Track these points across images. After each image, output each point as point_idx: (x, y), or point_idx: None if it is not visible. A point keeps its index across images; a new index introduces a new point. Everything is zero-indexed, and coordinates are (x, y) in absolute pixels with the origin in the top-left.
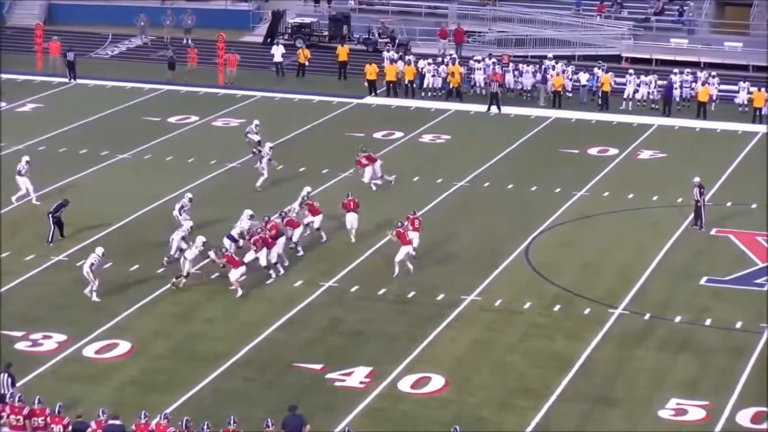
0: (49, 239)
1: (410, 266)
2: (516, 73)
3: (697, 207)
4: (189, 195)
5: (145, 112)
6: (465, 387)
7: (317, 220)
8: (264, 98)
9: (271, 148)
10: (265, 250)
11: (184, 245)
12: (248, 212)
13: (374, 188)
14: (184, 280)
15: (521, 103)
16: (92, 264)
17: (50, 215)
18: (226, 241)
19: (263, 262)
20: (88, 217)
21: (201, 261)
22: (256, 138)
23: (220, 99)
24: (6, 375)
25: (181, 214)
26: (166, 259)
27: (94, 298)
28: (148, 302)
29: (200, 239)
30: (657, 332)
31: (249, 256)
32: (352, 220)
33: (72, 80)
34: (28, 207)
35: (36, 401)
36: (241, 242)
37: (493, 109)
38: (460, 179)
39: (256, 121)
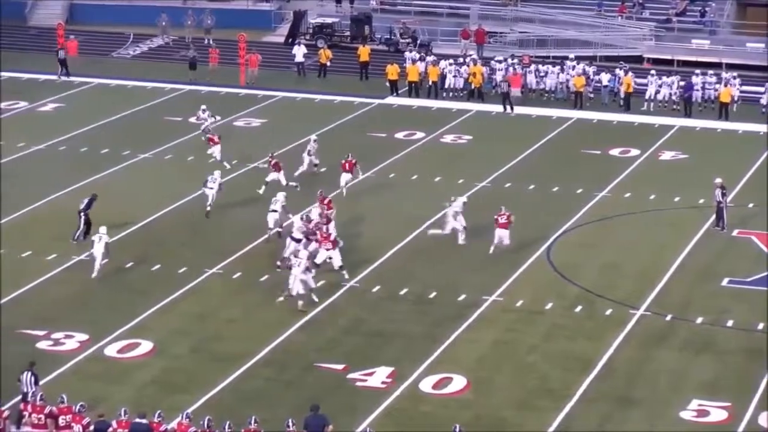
0: (77, 236)
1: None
2: (537, 73)
3: (719, 208)
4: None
5: (166, 112)
6: (486, 388)
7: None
8: (285, 98)
9: (315, 140)
10: (337, 249)
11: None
12: (282, 194)
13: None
14: (282, 298)
15: (543, 103)
16: (106, 243)
17: (82, 213)
18: (293, 245)
19: (338, 263)
20: (109, 217)
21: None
22: (207, 122)
23: (241, 99)
24: (29, 374)
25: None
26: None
27: (97, 274)
28: (170, 302)
29: (304, 253)
30: (678, 333)
31: (321, 257)
32: (346, 178)
33: (65, 77)
34: (49, 206)
35: (62, 400)
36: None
37: (507, 108)
38: (481, 180)
39: (203, 106)
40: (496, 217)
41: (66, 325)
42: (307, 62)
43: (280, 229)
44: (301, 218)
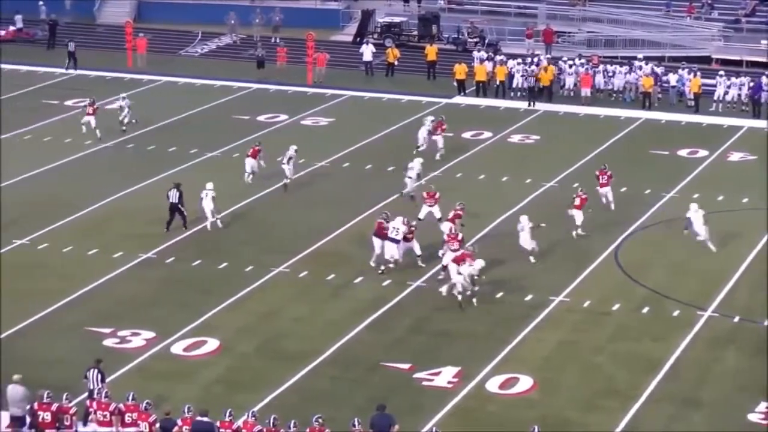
0: (185, 225)
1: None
2: (606, 73)
3: None
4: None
5: (234, 111)
6: (552, 388)
7: (436, 211)
8: (353, 97)
9: (432, 120)
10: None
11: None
12: (419, 160)
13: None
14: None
15: (611, 104)
16: (213, 197)
17: (178, 204)
18: (392, 248)
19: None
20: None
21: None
22: (125, 111)
23: (309, 98)
24: (95, 371)
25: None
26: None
27: (220, 224)
28: (236, 300)
29: (480, 260)
30: (746, 335)
31: (447, 259)
32: (441, 141)
33: (72, 69)
34: (116, 204)
35: (130, 397)
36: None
37: (536, 104)
38: (549, 180)
39: (123, 95)
40: (598, 174)
41: (132, 322)
42: (375, 61)
43: (413, 194)
44: (403, 220)
